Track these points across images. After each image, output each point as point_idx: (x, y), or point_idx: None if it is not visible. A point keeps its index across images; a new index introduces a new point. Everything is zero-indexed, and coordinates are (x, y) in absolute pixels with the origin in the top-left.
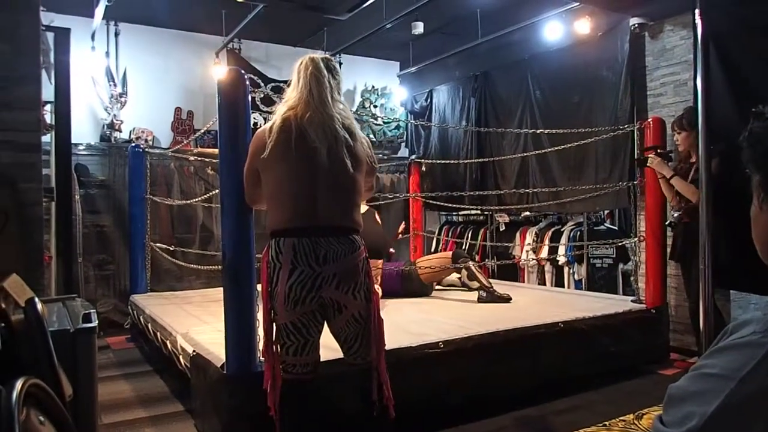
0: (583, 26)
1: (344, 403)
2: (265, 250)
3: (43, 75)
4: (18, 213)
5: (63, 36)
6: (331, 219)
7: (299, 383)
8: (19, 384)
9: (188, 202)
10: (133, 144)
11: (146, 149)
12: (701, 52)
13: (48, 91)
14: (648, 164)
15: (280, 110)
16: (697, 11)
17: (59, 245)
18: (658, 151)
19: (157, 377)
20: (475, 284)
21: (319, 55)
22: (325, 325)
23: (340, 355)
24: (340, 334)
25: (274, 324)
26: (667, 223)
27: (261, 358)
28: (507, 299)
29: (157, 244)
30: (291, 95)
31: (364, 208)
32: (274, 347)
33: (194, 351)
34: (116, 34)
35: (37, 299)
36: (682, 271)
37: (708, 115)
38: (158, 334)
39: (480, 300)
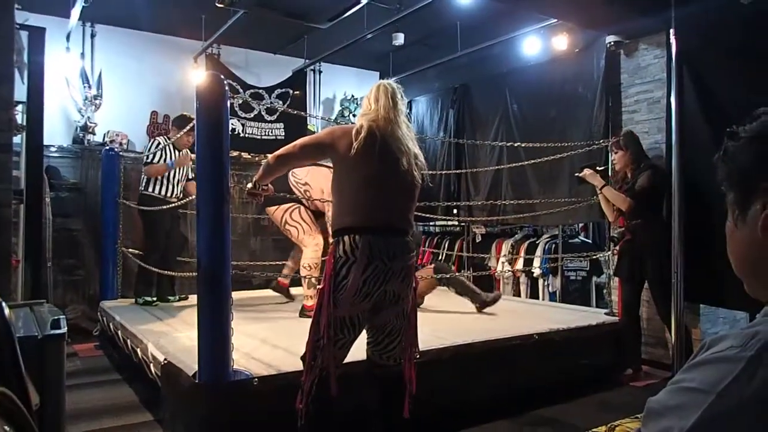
0: (561, 42)
1: (363, 403)
2: (334, 245)
3: (15, 75)
4: None
5: (37, 35)
6: (399, 221)
7: (327, 381)
8: None
9: (162, 207)
10: (107, 147)
11: (120, 152)
12: (675, 70)
13: (20, 91)
14: (581, 175)
15: (362, 120)
16: (671, 31)
17: (27, 249)
18: (597, 168)
19: (126, 386)
20: (467, 298)
21: (392, 81)
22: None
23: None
24: (386, 327)
25: (327, 319)
26: (610, 236)
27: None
28: (498, 298)
29: (129, 250)
30: (369, 110)
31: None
32: (323, 341)
33: (165, 359)
34: (92, 36)
35: (4, 304)
36: (627, 288)
37: (682, 132)
38: (128, 341)
39: (481, 309)
